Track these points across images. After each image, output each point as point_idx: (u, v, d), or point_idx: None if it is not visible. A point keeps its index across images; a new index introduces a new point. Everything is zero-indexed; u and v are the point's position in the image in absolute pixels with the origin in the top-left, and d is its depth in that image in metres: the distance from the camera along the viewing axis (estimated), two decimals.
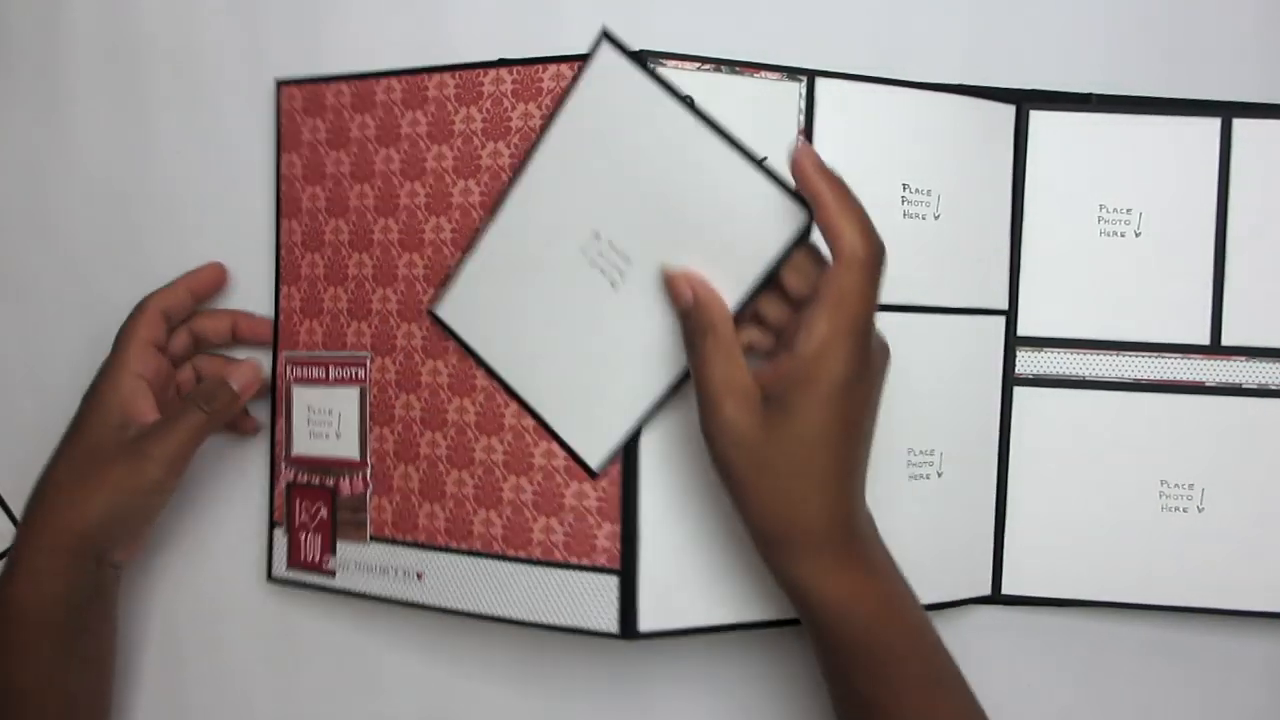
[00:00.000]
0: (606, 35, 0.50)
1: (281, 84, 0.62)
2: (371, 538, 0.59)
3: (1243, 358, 0.60)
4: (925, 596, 0.59)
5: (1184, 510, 0.60)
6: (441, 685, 0.63)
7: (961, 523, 0.61)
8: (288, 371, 0.61)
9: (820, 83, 0.56)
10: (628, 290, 0.52)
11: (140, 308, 0.59)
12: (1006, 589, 0.61)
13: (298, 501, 0.60)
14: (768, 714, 0.63)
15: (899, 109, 0.57)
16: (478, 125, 0.56)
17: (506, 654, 0.63)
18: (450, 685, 0.63)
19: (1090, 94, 0.61)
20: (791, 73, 0.55)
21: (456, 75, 0.56)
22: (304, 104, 0.61)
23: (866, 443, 0.49)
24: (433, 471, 0.57)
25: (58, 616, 0.54)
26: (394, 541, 0.58)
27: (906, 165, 0.57)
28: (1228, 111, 0.60)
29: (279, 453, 0.61)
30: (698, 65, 0.54)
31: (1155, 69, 0.62)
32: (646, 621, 0.54)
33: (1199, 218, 0.60)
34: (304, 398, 0.60)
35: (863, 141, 0.57)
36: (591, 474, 0.54)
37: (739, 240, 0.49)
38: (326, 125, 0.60)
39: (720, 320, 0.48)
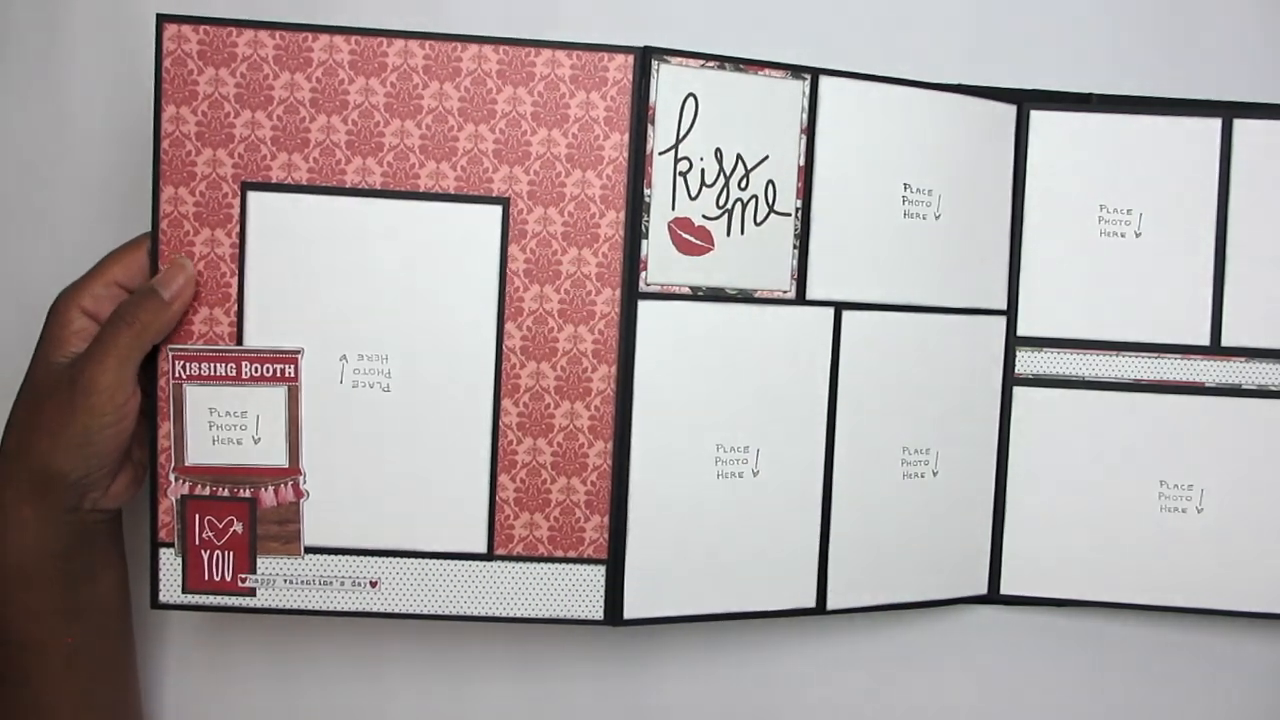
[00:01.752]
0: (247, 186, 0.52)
1: (164, 20, 0.52)
2: (307, 550, 0.54)
3: (1243, 358, 0.60)
4: (922, 594, 0.60)
5: (1183, 511, 0.60)
6: (409, 679, 0.63)
7: (959, 522, 0.61)
8: (175, 368, 0.53)
9: (824, 81, 0.55)
10: (401, 383, 0.53)
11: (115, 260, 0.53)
12: (1005, 589, 0.61)
13: (196, 517, 0.53)
14: (738, 697, 0.63)
15: (901, 108, 0.57)
16: (453, 104, 0.53)
17: (485, 643, 0.62)
18: (425, 675, 0.63)
19: (1090, 94, 0.61)
20: (795, 70, 0.55)
21: (426, 45, 0.52)
22: (200, 49, 0.52)
23: None
24: None
25: (42, 567, 0.51)
26: (339, 551, 0.54)
27: (908, 164, 0.57)
28: (1228, 111, 0.60)
29: (164, 463, 0.53)
30: (702, 63, 0.53)
31: (1155, 69, 0.62)
32: (632, 610, 0.55)
33: (1199, 218, 0.60)
34: (203, 399, 0.53)
35: (866, 140, 0.56)
36: (489, 557, 0.54)
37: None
38: (236, 79, 0.52)
39: None
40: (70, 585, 0.53)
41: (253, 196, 0.52)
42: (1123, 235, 0.60)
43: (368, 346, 0.53)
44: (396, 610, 0.54)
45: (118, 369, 0.50)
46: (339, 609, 0.54)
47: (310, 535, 0.54)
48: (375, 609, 0.54)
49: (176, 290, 0.51)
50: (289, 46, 0.52)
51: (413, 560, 0.54)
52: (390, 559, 0.54)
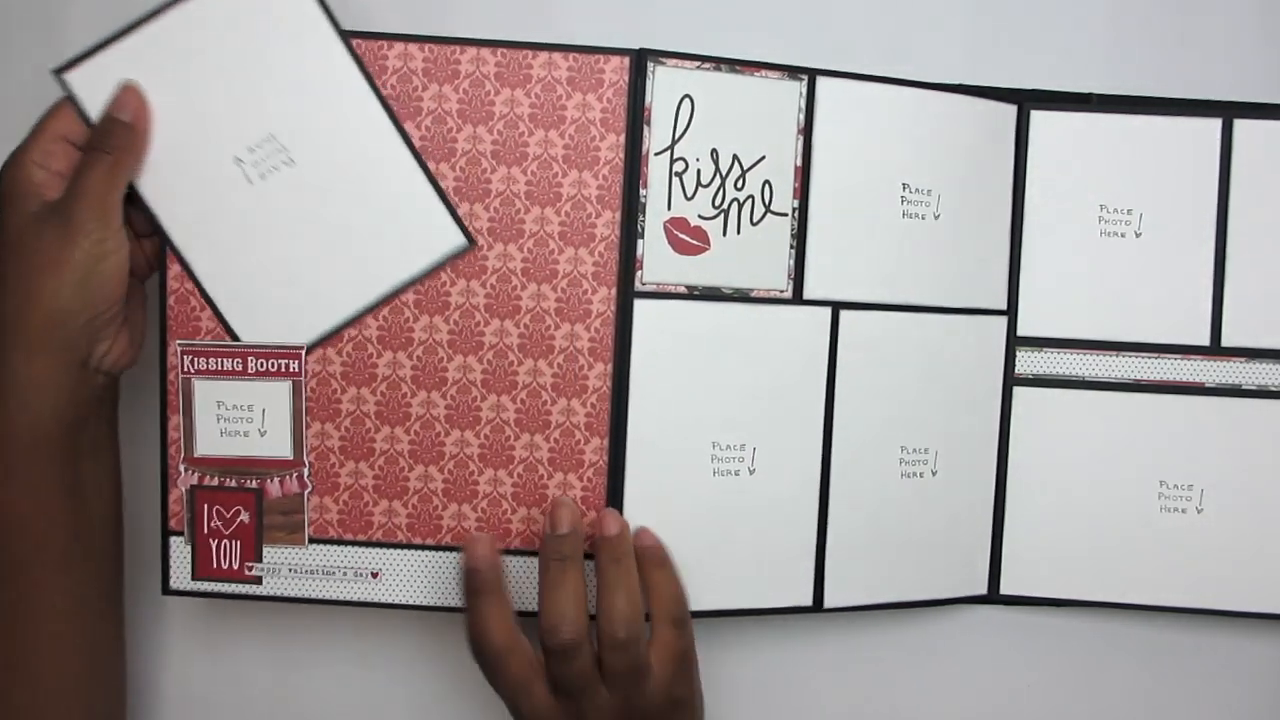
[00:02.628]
0: None
1: None
2: (311, 539, 0.55)
3: (1243, 358, 0.60)
4: (922, 594, 0.60)
5: (1183, 511, 0.60)
6: (407, 675, 0.63)
7: (959, 522, 0.61)
8: (184, 363, 0.54)
9: (821, 81, 0.56)
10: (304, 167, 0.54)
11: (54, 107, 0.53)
12: (1005, 589, 0.61)
13: (205, 507, 0.55)
14: (735, 695, 0.63)
15: (900, 108, 0.57)
16: (452, 106, 0.54)
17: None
18: (418, 673, 0.63)
19: (1090, 94, 0.61)
20: (792, 71, 0.55)
21: (425, 48, 0.53)
22: None
23: None
24: (391, 468, 0.55)
25: (53, 435, 0.51)
26: (341, 542, 0.55)
27: (907, 165, 0.58)
28: (1228, 111, 0.60)
29: (174, 455, 0.55)
30: (698, 64, 0.54)
31: (1155, 69, 0.62)
32: None
33: (1199, 218, 0.60)
34: (211, 392, 0.54)
35: (863, 141, 0.57)
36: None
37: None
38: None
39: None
40: (76, 460, 0.52)
41: None
42: (1123, 235, 0.60)
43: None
44: (397, 601, 0.56)
45: (104, 196, 0.50)
46: (341, 598, 0.55)
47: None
48: (376, 599, 0.55)
49: (134, 110, 0.52)
50: None
51: (413, 552, 0.55)
52: (391, 550, 0.55)
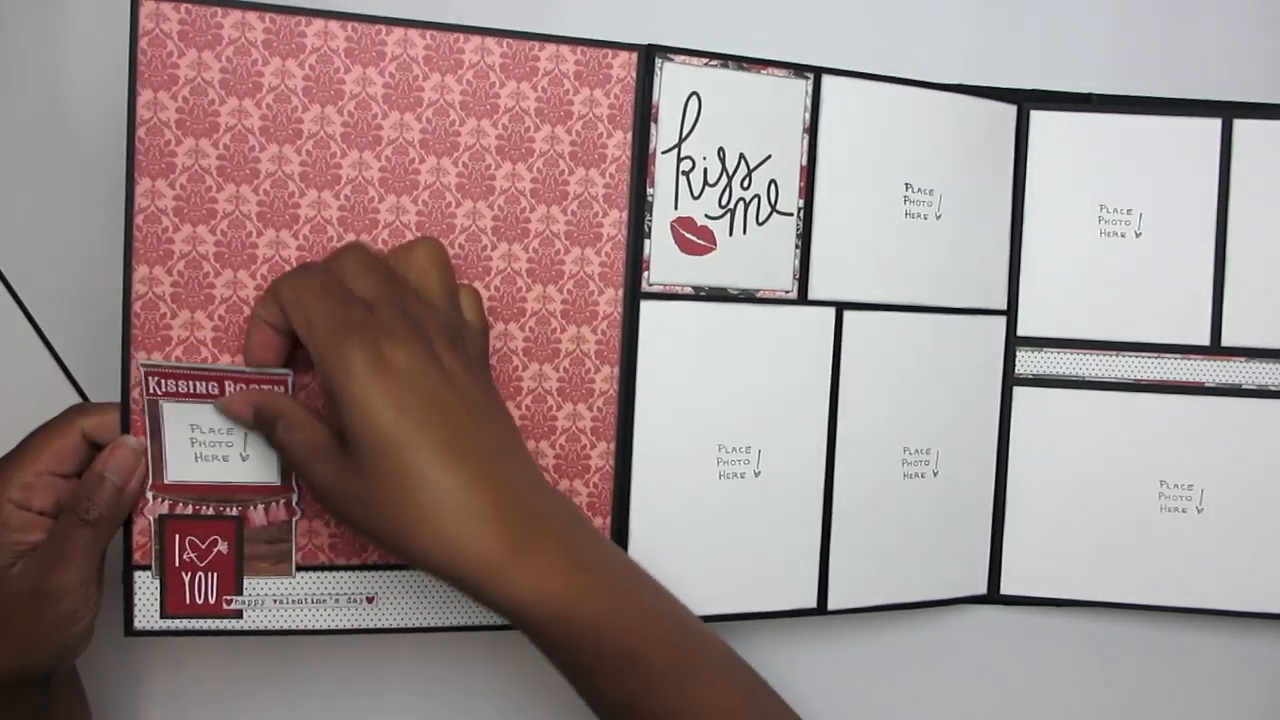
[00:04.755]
0: None
1: None
2: (299, 567, 0.51)
3: (1243, 358, 0.60)
4: (922, 594, 0.60)
5: (1183, 510, 0.60)
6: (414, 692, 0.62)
7: (959, 522, 0.61)
8: (149, 384, 0.49)
9: (827, 80, 0.55)
10: None
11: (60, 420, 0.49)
12: (1005, 589, 0.61)
13: (177, 537, 0.49)
14: None
15: (903, 108, 0.57)
16: (455, 97, 0.51)
17: (488, 652, 0.61)
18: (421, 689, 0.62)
19: (1090, 94, 0.61)
20: (798, 70, 0.55)
21: (427, 35, 0.50)
22: (182, 29, 0.48)
23: (473, 420, 0.45)
24: None
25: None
26: (332, 568, 0.51)
27: (909, 164, 0.57)
28: (1228, 111, 0.60)
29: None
30: (705, 61, 0.53)
31: (1155, 69, 0.62)
32: None
33: (1199, 218, 0.60)
34: (183, 415, 0.49)
35: (868, 140, 0.56)
36: None
37: None
38: (222, 64, 0.48)
39: (280, 407, 0.47)
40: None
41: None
42: (1123, 235, 0.60)
43: None
44: (394, 625, 0.52)
45: (84, 569, 0.47)
46: (332, 627, 0.51)
47: None
48: (372, 625, 0.52)
49: (125, 473, 0.48)
50: (280, 31, 0.48)
51: (412, 572, 0.52)
52: (388, 572, 0.52)
